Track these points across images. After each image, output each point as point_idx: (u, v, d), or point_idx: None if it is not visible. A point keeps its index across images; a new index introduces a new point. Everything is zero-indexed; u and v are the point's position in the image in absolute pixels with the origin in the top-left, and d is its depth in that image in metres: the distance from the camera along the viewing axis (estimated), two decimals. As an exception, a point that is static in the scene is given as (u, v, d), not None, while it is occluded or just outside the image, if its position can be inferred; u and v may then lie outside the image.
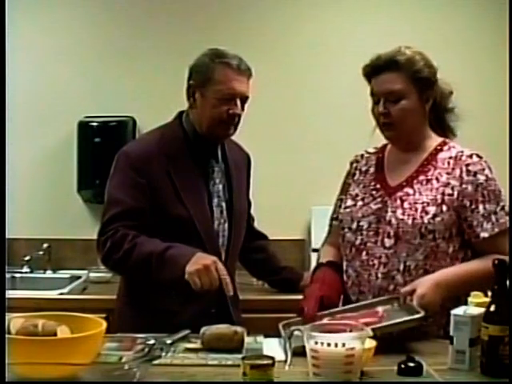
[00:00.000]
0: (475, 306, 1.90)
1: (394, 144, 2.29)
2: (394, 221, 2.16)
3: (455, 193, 2.15)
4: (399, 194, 2.20)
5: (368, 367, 1.78)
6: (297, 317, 2.14)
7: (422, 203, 2.15)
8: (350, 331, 1.71)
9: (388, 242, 2.17)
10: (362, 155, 2.39)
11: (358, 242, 2.23)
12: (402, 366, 1.78)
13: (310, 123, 3.79)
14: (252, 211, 2.71)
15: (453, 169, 2.18)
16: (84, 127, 3.67)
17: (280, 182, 3.76)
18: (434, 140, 2.27)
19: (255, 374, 1.64)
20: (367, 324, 1.93)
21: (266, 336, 2.09)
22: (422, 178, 2.20)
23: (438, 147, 2.25)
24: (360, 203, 2.26)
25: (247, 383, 1.65)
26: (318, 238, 3.03)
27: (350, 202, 2.29)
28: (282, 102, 3.77)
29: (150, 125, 2.61)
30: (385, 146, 2.36)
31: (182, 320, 2.20)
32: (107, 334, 1.81)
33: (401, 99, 2.17)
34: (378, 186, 2.27)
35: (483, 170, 2.17)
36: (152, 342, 1.93)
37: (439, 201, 2.15)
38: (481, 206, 2.14)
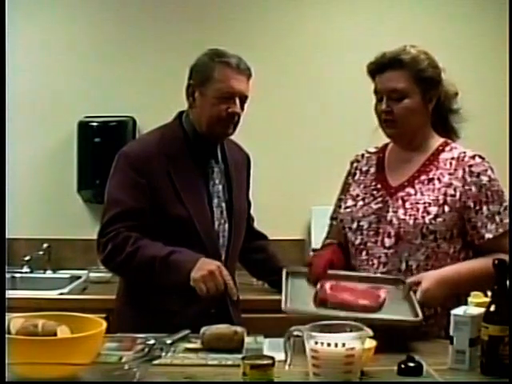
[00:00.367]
0: (475, 305, 1.90)
1: (396, 142, 2.29)
2: (395, 221, 2.16)
3: (457, 194, 2.15)
4: (400, 193, 2.20)
5: (368, 367, 1.78)
6: (304, 268, 2.21)
7: (424, 203, 2.15)
8: (350, 331, 1.71)
9: (388, 242, 2.17)
10: (363, 155, 2.39)
11: (357, 241, 2.24)
12: (402, 365, 1.78)
13: (310, 123, 3.79)
14: (252, 211, 2.70)
15: (455, 170, 2.18)
16: (84, 127, 3.67)
17: (280, 182, 3.76)
18: (436, 140, 2.26)
19: (255, 373, 1.64)
20: (365, 306, 1.99)
21: (266, 336, 2.09)
22: (423, 178, 2.20)
23: (440, 147, 2.24)
24: (360, 203, 2.26)
25: (247, 383, 1.65)
26: (318, 238, 3.02)
27: (350, 202, 2.29)
28: (283, 102, 3.77)
29: (150, 125, 2.61)
30: (385, 145, 2.36)
31: (182, 320, 2.20)
32: (107, 334, 1.81)
33: (404, 98, 2.17)
34: (379, 185, 2.27)
35: (486, 170, 2.17)
36: (152, 341, 1.92)
37: (441, 201, 2.14)
38: (484, 207, 2.14)
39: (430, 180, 2.19)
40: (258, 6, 3.81)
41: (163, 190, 2.32)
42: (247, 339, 2.02)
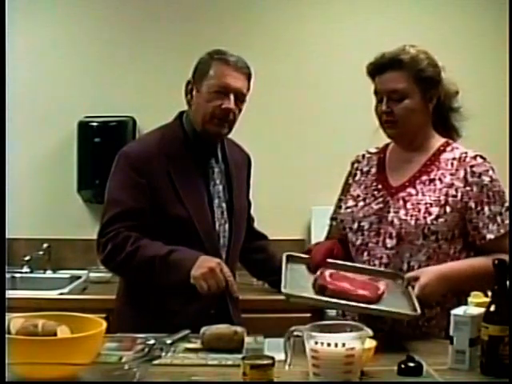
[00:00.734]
0: (475, 305, 1.90)
1: (397, 142, 2.29)
2: (396, 221, 2.16)
3: (459, 194, 2.15)
4: (402, 194, 2.20)
5: (368, 367, 1.78)
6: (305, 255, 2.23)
7: (425, 204, 2.15)
8: (350, 331, 1.71)
9: (390, 243, 2.17)
10: (364, 155, 2.39)
11: (358, 242, 2.23)
12: (402, 365, 1.78)
13: (310, 123, 3.79)
14: (252, 211, 2.70)
15: (457, 170, 2.17)
16: (84, 127, 3.67)
17: (280, 182, 3.76)
18: (437, 140, 2.26)
19: (255, 373, 1.64)
20: (364, 296, 1.99)
21: (266, 336, 2.09)
22: (424, 178, 2.20)
23: (441, 147, 2.24)
24: (361, 203, 2.26)
25: (247, 383, 1.65)
26: (318, 238, 3.02)
27: (351, 203, 2.29)
28: (283, 102, 3.77)
29: (150, 125, 2.61)
30: (386, 145, 2.35)
31: (182, 320, 2.20)
32: (107, 334, 1.81)
33: (404, 98, 2.16)
34: (380, 186, 2.26)
35: (487, 171, 2.16)
36: (152, 342, 1.93)
37: (443, 202, 2.14)
38: (486, 208, 2.14)
39: (432, 180, 2.19)
40: (258, 6, 3.81)
41: (163, 190, 2.32)
42: (247, 339, 2.02)
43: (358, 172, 2.36)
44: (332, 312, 2.64)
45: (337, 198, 2.40)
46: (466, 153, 2.20)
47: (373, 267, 2.18)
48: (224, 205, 2.43)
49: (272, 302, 2.99)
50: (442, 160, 2.21)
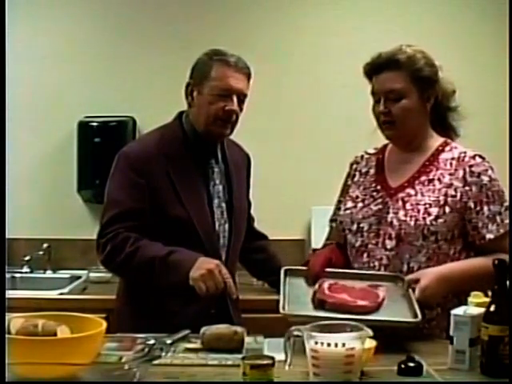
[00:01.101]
0: (475, 305, 1.90)
1: (395, 143, 2.28)
2: (395, 222, 2.16)
3: (458, 194, 2.14)
4: (401, 194, 2.19)
5: (368, 367, 1.78)
6: (303, 267, 2.21)
7: (425, 204, 2.14)
8: (350, 331, 1.71)
9: (389, 244, 2.16)
10: (362, 156, 2.38)
11: (358, 243, 2.23)
12: (402, 365, 1.78)
13: (310, 124, 3.79)
14: (252, 211, 2.70)
15: (455, 170, 2.17)
16: (84, 127, 3.67)
17: (280, 182, 3.76)
18: (436, 140, 2.26)
19: (255, 373, 1.64)
20: (364, 307, 1.99)
21: (266, 336, 2.09)
22: (423, 178, 2.19)
23: (440, 147, 2.24)
24: (360, 205, 2.26)
25: (247, 383, 1.65)
26: (318, 238, 3.03)
27: (350, 204, 2.29)
28: (283, 102, 3.78)
29: (150, 125, 2.61)
30: (385, 146, 2.35)
31: (182, 320, 2.20)
32: (107, 334, 1.81)
33: (401, 98, 2.16)
34: (379, 187, 2.26)
35: (486, 170, 2.16)
36: (152, 341, 1.92)
37: (442, 202, 2.14)
38: (485, 208, 2.13)
39: (431, 181, 2.18)
40: (259, 7, 3.81)
41: (163, 191, 2.32)
42: (247, 339, 2.02)
43: (357, 173, 2.35)
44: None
45: (336, 199, 2.39)
46: (464, 152, 2.20)
47: (372, 272, 2.17)
48: (224, 205, 2.43)
49: (272, 302, 2.96)
50: (441, 160, 2.21)
